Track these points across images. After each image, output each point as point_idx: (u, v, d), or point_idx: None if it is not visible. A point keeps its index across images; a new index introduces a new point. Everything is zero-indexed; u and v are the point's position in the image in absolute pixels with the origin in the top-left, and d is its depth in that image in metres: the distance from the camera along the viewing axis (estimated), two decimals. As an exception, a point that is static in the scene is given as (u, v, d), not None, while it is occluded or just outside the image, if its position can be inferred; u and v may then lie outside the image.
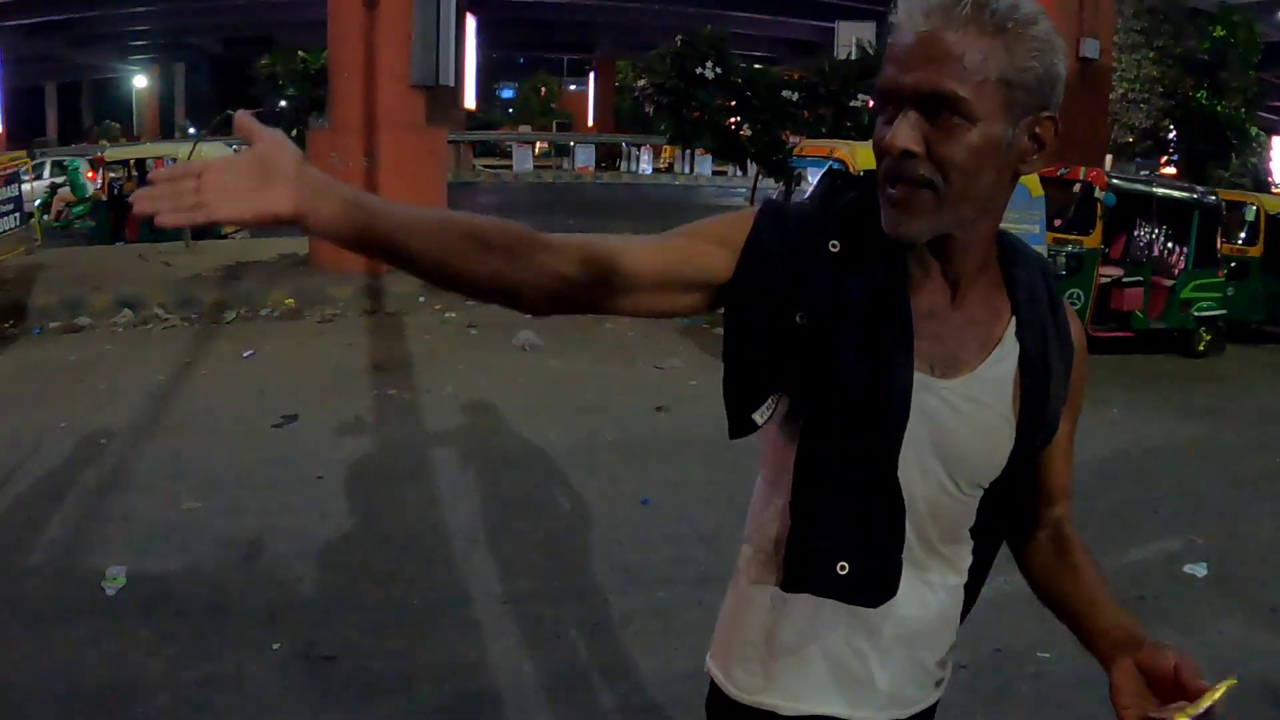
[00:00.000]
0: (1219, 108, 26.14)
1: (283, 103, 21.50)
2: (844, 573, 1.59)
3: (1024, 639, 4.76)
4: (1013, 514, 1.80)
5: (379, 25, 13.38)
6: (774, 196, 13.08)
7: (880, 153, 1.48)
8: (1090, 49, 18.93)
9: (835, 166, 10.24)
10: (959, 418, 1.59)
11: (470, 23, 40.59)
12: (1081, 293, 12.25)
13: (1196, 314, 13.63)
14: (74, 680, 4.21)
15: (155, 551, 5.42)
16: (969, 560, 1.76)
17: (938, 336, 1.58)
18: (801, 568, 1.62)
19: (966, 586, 1.78)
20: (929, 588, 1.69)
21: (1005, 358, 1.61)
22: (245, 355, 10.06)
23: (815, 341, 1.53)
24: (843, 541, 1.59)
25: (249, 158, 1.27)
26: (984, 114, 1.42)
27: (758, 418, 1.61)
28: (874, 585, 1.61)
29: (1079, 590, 1.77)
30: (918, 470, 1.59)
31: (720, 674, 1.79)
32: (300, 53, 20.66)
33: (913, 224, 1.47)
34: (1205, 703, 1.46)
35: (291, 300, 12.25)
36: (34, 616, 4.75)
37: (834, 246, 1.56)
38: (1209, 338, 13.96)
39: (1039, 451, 1.72)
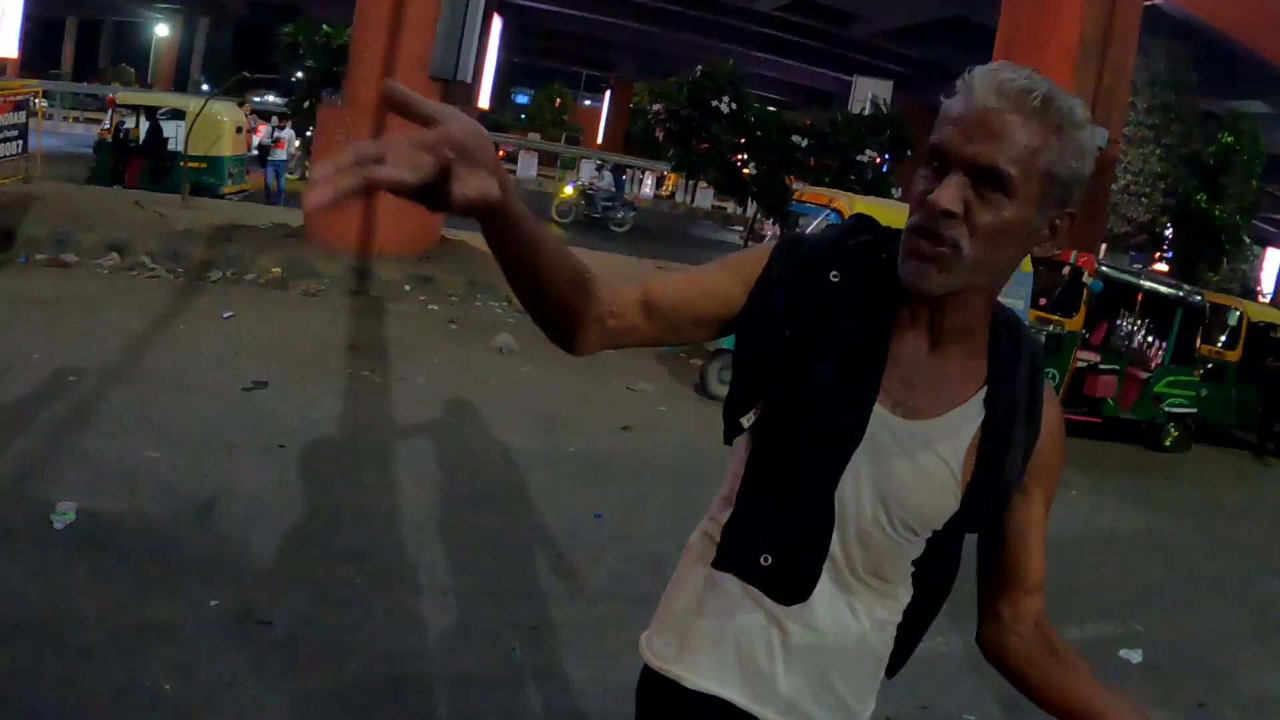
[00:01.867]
0: (1217, 211, 26.31)
1: (299, 73, 21.55)
2: (766, 564, 1.73)
3: (952, 700, 4.81)
4: (948, 575, 1.86)
5: (406, 12, 13.48)
6: (773, 235, 13.18)
7: (919, 206, 1.58)
8: (1100, 138, 19.03)
9: (831, 217, 10.36)
10: (906, 458, 1.68)
11: (496, 24, 40.68)
12: (1057, 373, 12.38)
13: (1167, 409, 13.77)
14: (8, 606, 4.22)
15: (107, 493, 5.42)
16: (903, 602, 1.83)
17: (907, 380, 1.68)
18: (731, 550, 1.78)
19: (902, 629, 1.84)
20: (851, 611, 1.77)
21: (967, 419, 1.70)
22: (225, 316, 10.08)
23: (794, 353, 1.66)
24: (772, 536, 1.73)
25: (443, 137, 1.20)
26: (1023, 197, 1.55)
27: (744, 421, 1.74)
28: (789, 583, 1.73)
29: (1082, 692, 1.82)
30: (853, 495, 1.69)
31: (644, 643, 1.92)
32: (325, 27, 20.71)
33: (933, 280, 1.58)
34: None
35: (278, 269, 12.26)
36: (-23, 540, 4.75)
37: (834, 276, 1.70)
38: (1176, 434, 14.09)
39: (987, 523, 1.80)
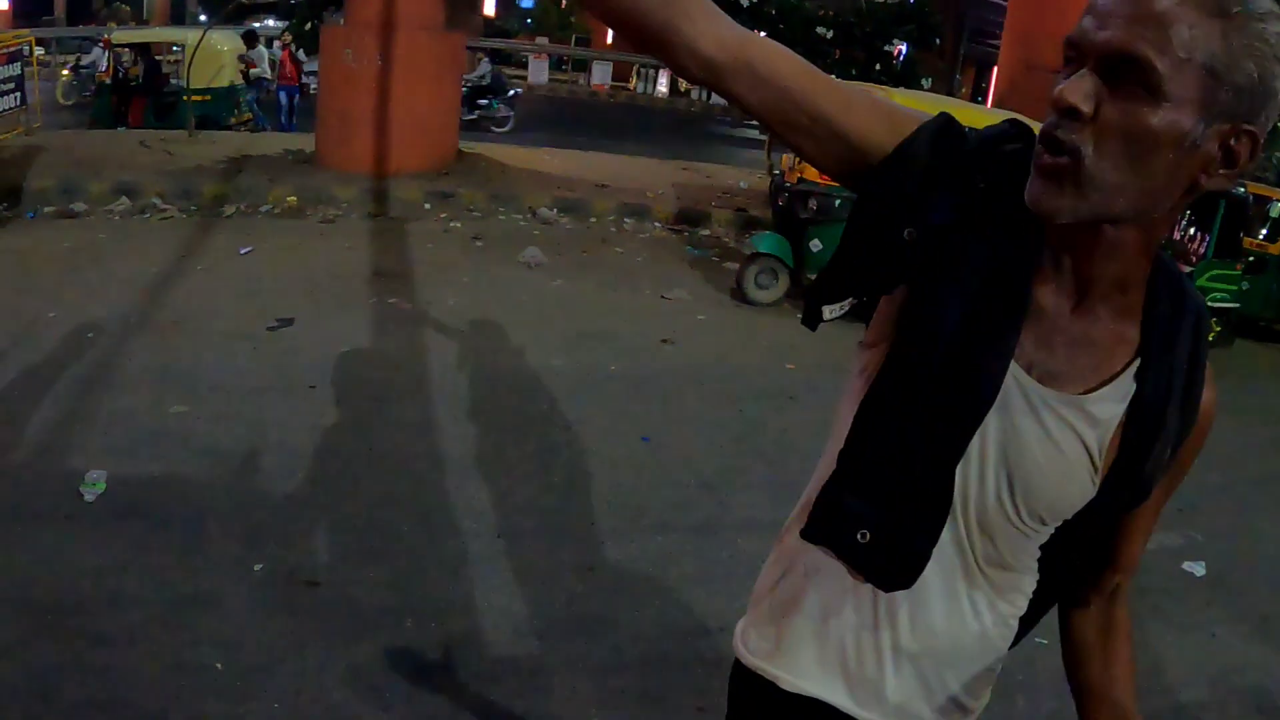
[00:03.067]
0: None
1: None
2: (863, 540, 1.47)
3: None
4: (1082, 565, 1.65)
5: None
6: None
7: (1049, 109, 1.27)
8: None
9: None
10: (1040, 433, 1.40)
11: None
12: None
13: (1210, 304, 13.48)
14: (44, 588, 4.05)
15: (138, 457, 5.21)
16: (1028, 595, 1.61)
17: (1046, 340, 1.39)
18: (825, 518, 1.52)
19: (1022, 620, 1.64)
20: (972, 606, 1.54)
21: (1116, 396, 1.42)
22: (243, 252, 9.79)
23: (917, 275, 1.38)
24: (875, 509, 1.47)
25: None
26: (1174, 97, 1.21)
27: (826, 312, 1.46)
28: (891, 568, 1.48)
29: (1103, 688, 1.67)
30: (978, 471, 1.43)
31: (739, 636, 1.72)
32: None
33: (1055, 199, 1.26)
34: None
35: (294, 198, 11.95)
36: (5, 519, 4.56)
37: (980, 183, 1.37)
38: (1219, 329, 13.79)
39: (1123, 512, 1.56)
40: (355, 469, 5.40)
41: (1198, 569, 5.86)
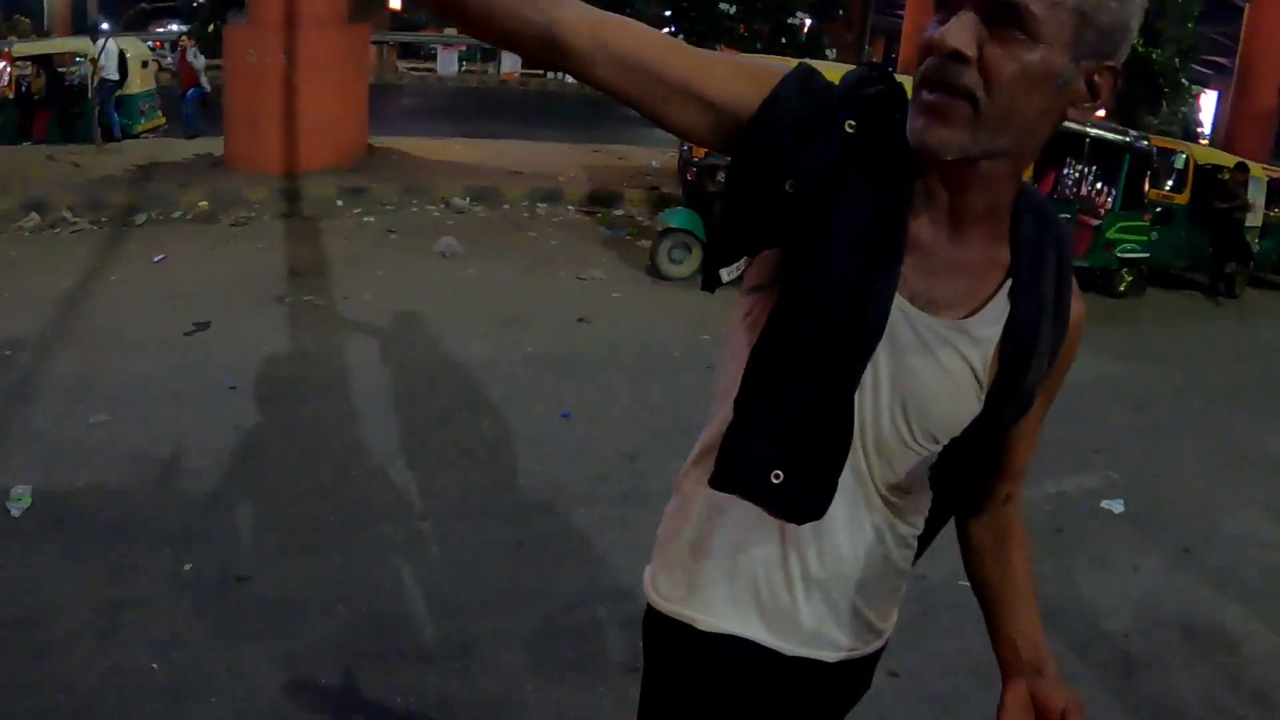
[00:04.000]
0: (1155, 56, 26.27)
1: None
2: (777, 482, 1.51)
3: (945, 568, 4.78)
4: (972, 477, 1.72)
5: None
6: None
7: (925, 52, 1.34)
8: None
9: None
10: (929, 359, 1.48)
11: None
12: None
13: (1120, 255, 13.79)
14: (-24, 605, 4.07)
15: (62, 469, 5.23)
16: (924, 513, 1.69)
17: (926, 269, 1.46)
18: (734, 466, 1.54)
19: (920, 538, 1.71)
20: (874, 531, 1.61)
21: (993, 317, 1.50)
22: (156, 260, 9.75)
23: (801, 222, 1.43)
24: (782, 448, 1.51)
25: None
26: (1049, 38, 1.30)
27: (724, 274, 1.53)
28: (803, 502, 1.53)
29: (1003, 585, 1.75)
30: (872, 400, 1.50)
31: (649, 583, 1.74)
32: (221, -56, 19.96)
33: (942, 136, 1.33)
34: None
35: (205, 203, 11.87)
36: (-67, 538, 4.57)
37: (850, 126, 1.42)
38: (1130, 279, 14.13)
39: (1009, 425, 1.62)
40: (280, 465, 5.47)
41: (1117, 507, 6.12)
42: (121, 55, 17.46)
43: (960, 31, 1.29)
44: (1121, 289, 13.99)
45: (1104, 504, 6.15)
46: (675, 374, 7.14)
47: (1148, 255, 14.21)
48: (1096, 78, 1.39)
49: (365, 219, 12.05)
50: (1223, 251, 15.54)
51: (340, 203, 12.42)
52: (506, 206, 13.17)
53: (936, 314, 1.48)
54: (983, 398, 1.52)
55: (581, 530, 4.95)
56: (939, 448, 1.57)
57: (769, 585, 1.61)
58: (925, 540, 1.73)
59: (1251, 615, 5.11)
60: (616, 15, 1.49)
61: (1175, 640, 4.76)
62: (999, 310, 1.50)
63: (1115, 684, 4.33)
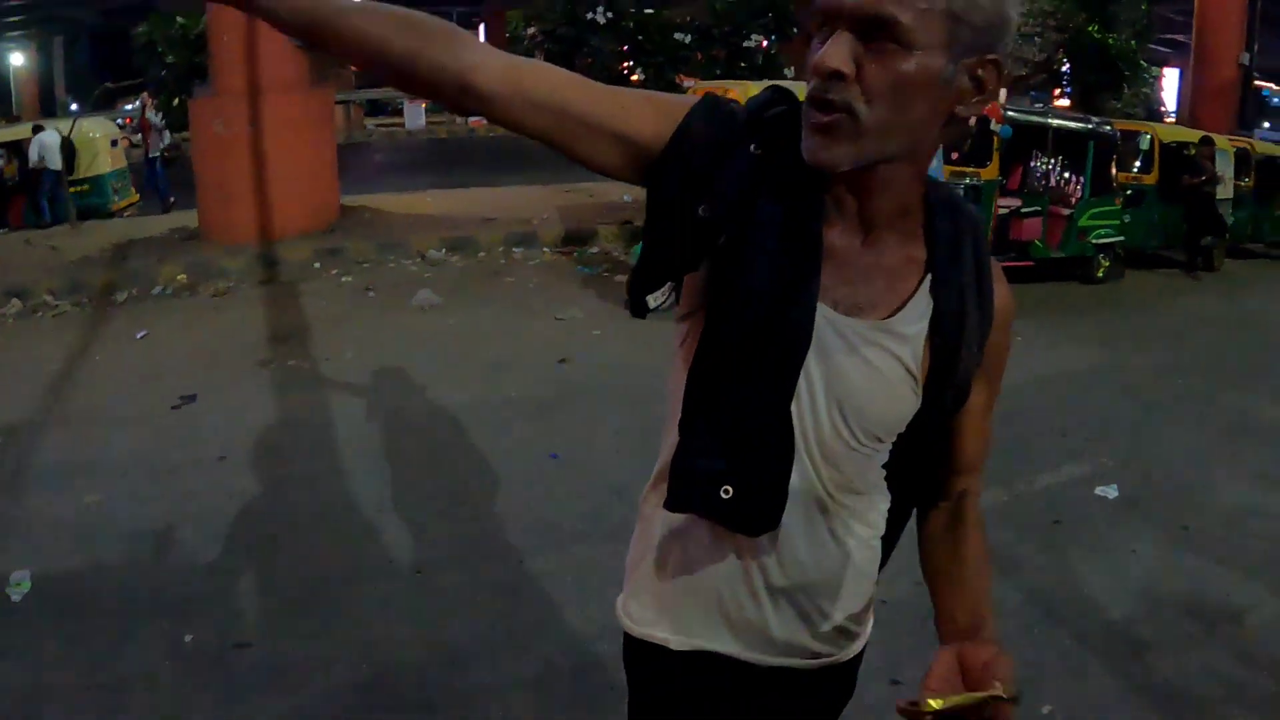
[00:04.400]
0: (1111, 40, 26.41)
1: (163, 71, 20.84)
2: (727, 496, 1.54)
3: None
4: (924, 473, 1.75)
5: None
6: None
7: (810, 74, 1.41)
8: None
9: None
10: (858, 360, 1.54)
11: (352, -23, 39.88)
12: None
13: (1095, 241, 13.87)
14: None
15: (60, 551, 5.25)
16: (881, 514, 1.71)
17: (844, 276, 1.52)
18: (684, 487, 1.58)
19: (883, 539, 1.74)
20: (832, 535, 1.63)
21: (917, 312, 1.56)
22: (139, 336, 9.80)
23: (719, 245, 1.49)
24: (728, 464, 1.54)
25: None
26: (924, 44, 1.36)
27: (651, 300, 1.62)
28: (756, 514, 1.55)
29: (951, 569, 1.75)
30: (810, 408, 1.55)
31: (621, 609, 1.78)
32: (179, 18, 20.03)
33: (833, 151, 1.40)
34: (958, 701, 1.45)
35: (184, 276, 11.93)
36: (-65, 628, 4.58)
37: (755, 149, 1.49)
38: (1108, 264, 14.21)
39: (949, 416, 1.67)
40: (273, 529, 5.49)
41: (1110, 492, 6.17)
42: (67, 143, 17.45)
43: (837, 52, 1.36)
44: (1100, 275, 14.07)
45: (1098, 491, 6.20)
46: (658, 404, 7.08)
47: (1122, 238, 14.30)
48: (980, 72, 1.44)
49: (343, 279, 12.10)
50: (1197, 226, 15.63)
51: (317, 265, 12.48)
52: (482, 254, 13.24)
53: (860, 316, 1.53)
54: (919, 392, 1.58)
55: (576, 568, 4.97)
56: (885, 446, 1.62)
57: (734, 599, 1.64)
58: (889, 541, 1.75)
59: (1256, 585, 5.14)
60: (529, 60, 1.56)
61: (1180, 619, 4.77)
62: (922, 306, 1.56)
63: (1123, 669, 4.35)
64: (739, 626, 1.66)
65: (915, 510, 1.82)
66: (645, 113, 1.52)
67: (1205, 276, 15.45)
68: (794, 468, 1.56)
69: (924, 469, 1.73)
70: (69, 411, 7.53)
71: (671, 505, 1.60)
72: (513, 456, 6.38)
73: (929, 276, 1.56)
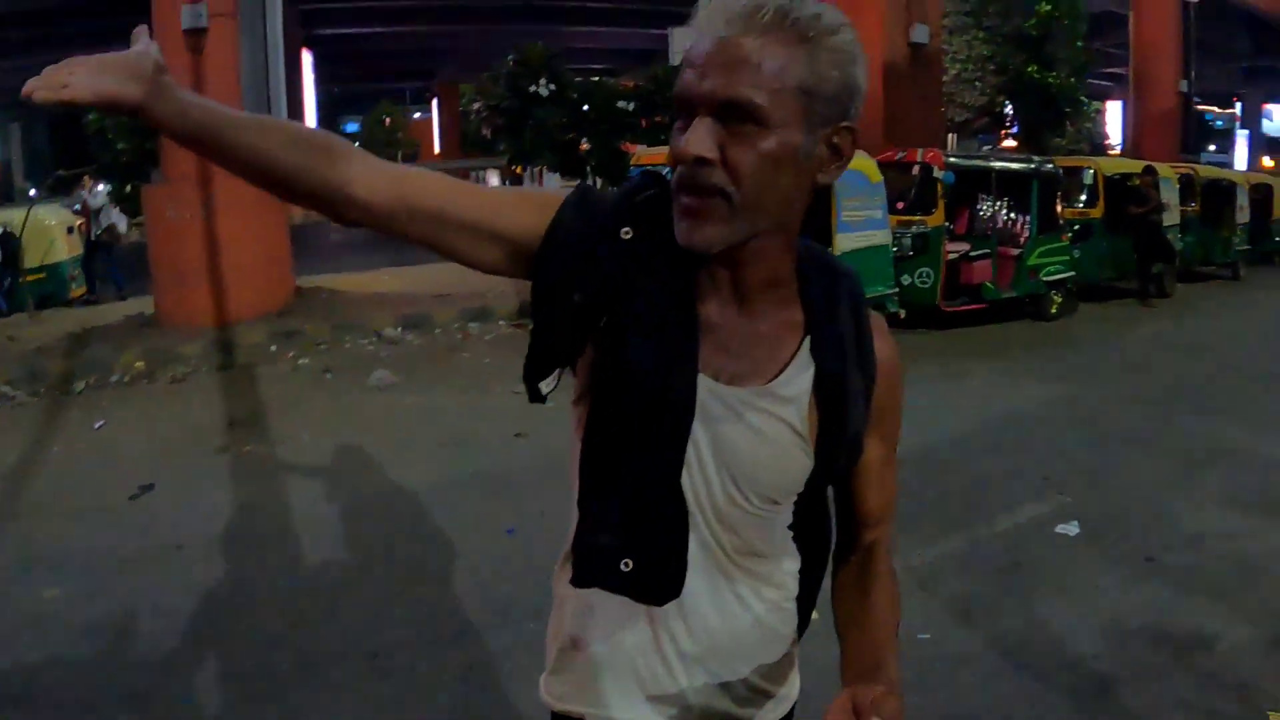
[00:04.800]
0: (1050, 79, 26.98)
1: (124, 159, 20.86)
2: (628, 569, 1.59)
3: (904, 622, 4.83)
4: (828, 531, 1.80)
5: (206, 68, 13.00)
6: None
7: (675, 161, 1.46)
8: (920, 34, 19.35)
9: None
10: (743, 427, 1.58)
11: (306, 59, 40.16)
12: (931, 270, 12.58)
13: (1045, 278, 14.08)
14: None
15: (18, 646, 5.17)
16: (790, 575, 1.75)
17: (724, 347, 1.57)
18: (587, 563, 1.63)
19: (798, 600, 1.77)
20: (738, 599, 1.67)
21: (799, 374, 1.60)
22: (97, 426, 9.73)
23: (600, 329, 1.54)
24: (626, 539, 1.59)
25: (117, 58, 1.47)
26: (780, 122, 1.42)
27: (543, 387, 1.61)
28: (657, 584, 1.61)
29: (857, 615, 1.78)
30: (701, 477, 1.59)
31: (543, 687, 1.81)
32: (129, 103, 20.06)
33: (706, 233, 1.46)
34: None
35: (141, 363, 11.87)
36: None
37: (626, 233, 1.55)
38: (1060, 300, 14.43)
39: (844, 473, 1.71)
40: (231, 618, 5.44)
41: (1071, 529, 6.23)
42: (4, 235, 17.46)
43: (700, 138, 1.42)
44: (1054, 311, 14.29)
45: (1059, 529, 6.26)
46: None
47: (1073, 273, 14.53)
48: (836, 140, 1.50)
49: (300, 361, 12.10)
50: (1147, 254, 15.95)
51: (274, 348, 12.46)
52: (438, 331, 13.31)
53: (743, 384, 1.58)
54: (811, 453, 1.61)
55: (531, 645, 4.93)
56: (784, 508, 1.67)
57: (648, 669, 1.67)
58: (806, 601, 1.79)
59: (1223, 609, 5.18)
60: (410, 168, 1.63)
61: (1148, 651, 4.79)
62: (803, 366, 1.60)
63: (1091, 706, 4.36)
64: (656, 696, 1.68)
65: (833, 563, 1.85)
66: (521, 210, 1.58)
67: (1159, 303, 15.73)
68: (691, 536, 1.60)
69: (828, 527, 1.79)
70: (25, 504, 7.46)
71: (577, 582, 1.65)
72: (470, 533, 6.36)
73: (808, 339, 1.61)
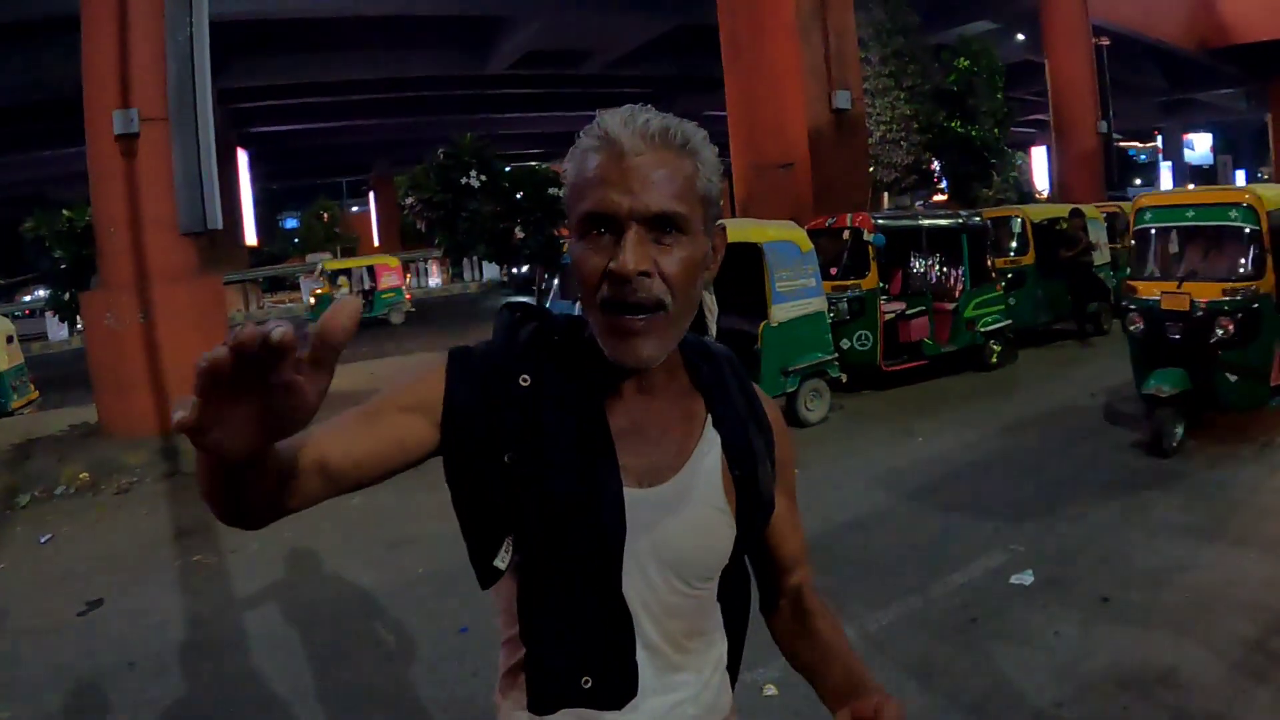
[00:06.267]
0: (973, 133, 27.49)
1: (62, 266, 20.71)
2: (588, 686, 1.65)
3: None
4: (747, 593, 1.88)
5: (139, 174, 12.89)
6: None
7: (598, 279, 1.52)
8: (842, 100, 19.63)
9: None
10: (675, 520, 1.65)
11: (242, 159, 40.28)
12: (869, 333, 12.71)
13: (983, 329, 14.25)
14: None
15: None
16: (723, 647, 1.84)
17: (639, 450, 1.64)
18: (547, 689, 1.66)
19: (728, 669, 1.86)
20: (689, 679, 1.74)
21: (709, 453, 1.70)
22: (42, 541, 9.57)
23: (524, 477, 1.57)
24: (581, 658, 1.65)
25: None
26: (695, 228, 1.55)
27: (499, 563, 1.64)
28: (616, 690, 1.66)
29: (814, 652, 1.87)
30: (642, 580, 1.65)
31: None
32: (65, 211, 20.01)
33: (649, 349, 1.54)
34: None
35: (85, 474, 11.71)
36: None
37: (524, 381, 1.61)
38: (999, 349, 14.59)
39: (761, 532, 1.82)
40: (187, 736, 5.34)
41: (1026, 579, 6.26)
42: None
43: (641, 254, 1.51)
44: (994, 361, 14.45)
45: (1013, 580, 6.29)
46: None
47: (1009, 322, 14.72)
48: (716, 239, 1.64)
49: (247, 465, 11.91)
50: (1081, 295, 16.29)
51: (219, 456, 12.26)
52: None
53: (663, 481, 1.66)
54: (733, 523, 1.71)
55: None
56: (714, 582, 1.75)
57: None
58: (734, 659, 1.89)
59: (1183, 642, 5.24)
60: (318, 437, 1.53)
61: (1111, 692, 4.82)
62: (711, 440, 1.71)
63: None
64: None
65: (765, 618, 1.98)
66: (409, 409, 1.60)
67: (1097, 341, 15.97)
68: (638, 639, 1.67)
69: (747, 589, 1.88)
70: (-27, 627, 7.29)
71: (538, 709, 1.68)
72: (422, 634, 6.30)
73: (709, 416, 1.72)
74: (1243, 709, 4.55)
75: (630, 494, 1.61)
